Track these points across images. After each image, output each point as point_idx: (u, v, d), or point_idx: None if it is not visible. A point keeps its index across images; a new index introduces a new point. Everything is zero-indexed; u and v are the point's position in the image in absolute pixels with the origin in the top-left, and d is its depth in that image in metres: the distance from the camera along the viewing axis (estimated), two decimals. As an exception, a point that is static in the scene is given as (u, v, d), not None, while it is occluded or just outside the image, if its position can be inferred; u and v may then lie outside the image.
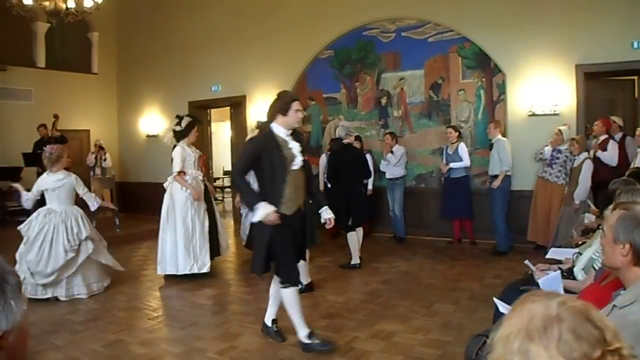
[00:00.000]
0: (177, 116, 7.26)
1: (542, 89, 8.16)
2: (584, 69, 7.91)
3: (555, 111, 8.09)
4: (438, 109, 9.18)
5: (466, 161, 8.43)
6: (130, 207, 12.31)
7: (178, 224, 6.82)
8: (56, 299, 6.04)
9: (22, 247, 6.04)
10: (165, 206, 6.93)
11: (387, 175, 9.20)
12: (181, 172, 6.82)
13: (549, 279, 3.23)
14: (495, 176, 7.97)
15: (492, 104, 8.70)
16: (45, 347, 4.64)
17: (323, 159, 8.86)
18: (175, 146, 6.99)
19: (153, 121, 13.15)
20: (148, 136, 13.19)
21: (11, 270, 1.26)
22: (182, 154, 6.88)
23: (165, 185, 7.06)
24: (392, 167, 9.10)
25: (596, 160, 7.31)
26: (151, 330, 5.09)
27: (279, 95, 4.49)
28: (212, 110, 12.94)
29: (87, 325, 5.20)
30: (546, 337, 1.03)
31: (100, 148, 12.13)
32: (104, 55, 13.84)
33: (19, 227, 6.14)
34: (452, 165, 8.46)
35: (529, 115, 8.30)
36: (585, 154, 7.30)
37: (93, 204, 6.43)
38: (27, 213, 10.10)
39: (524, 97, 8.35)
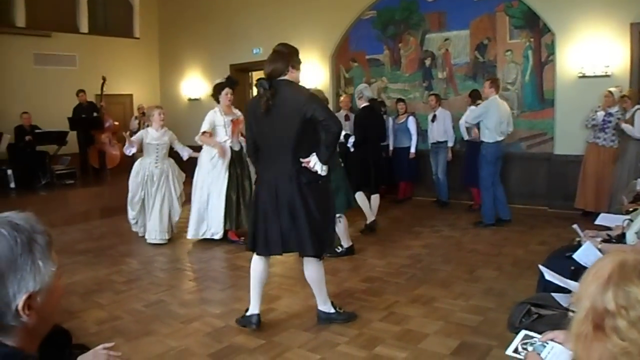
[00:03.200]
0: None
1: (594, 49, 7.82)
2: (639, 28, 7.54)
3: (606, 72, 7.76)
4: (484, 71, 8.92)
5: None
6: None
7: (197, 186, 6.95)
8: None
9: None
10: (196, 170, 7.07)
11: (430, 139, 9.05)
12: (205, 133, 6.78)
13: (584, 251, 3.10)
14: (487, 143, 7.38)
15: (541, 65, 8.41)
16: (90, 306, 4.75)
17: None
18: None
19: (195, 85, 13.18)
20: (190, 100, 13.25)
21: (41, 230, 1.24)
22: (211, 117, 6.84)
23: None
24: (436, 130, 8.94)
25: None
26: (191, 291, 5.14)
27: (288, 48, 4.15)
28: (254, 74, 12.87)
29: (129, 286, 5.29)
30: None
31: (143, 114, 12.22)
32: (146, 19, 13.88)
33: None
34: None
35: (579, 77, 7.98)
36: (637, 107, 7.09)
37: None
38: (73, 177, 10.38)
39: (574, 58, 8.02)
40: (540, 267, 3.03)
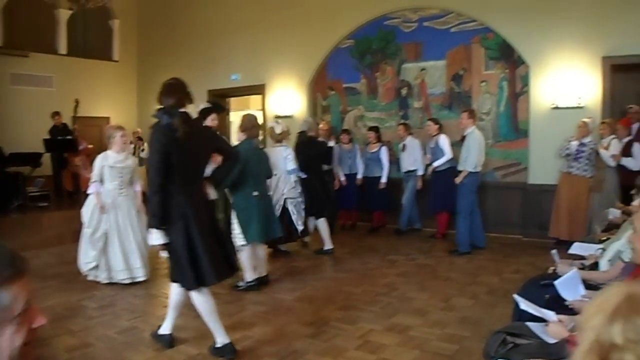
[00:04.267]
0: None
1: (567, 82, 7.99)
2: (611, 61, 7.73)
3: (579, 104, 7.93)
4: (459, 101, 9.04)
5: (448, 154, 8.28)
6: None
7: None
8: None
9: None
10: None
11: (402, 168, 9.10)
12: None
13: (566, 280, 3.13)
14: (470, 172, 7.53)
15: (515, 96, 8.56)
16: (60, 332, 4.65)
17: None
18: None
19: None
20: (167, 124, 13.18)
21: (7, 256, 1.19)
22: None
23: None
24: (406, 159, 8.99)
25: (621, 167, 7.31)
26: (165, 317, 5.05)
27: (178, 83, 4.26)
28: (232, 99, 12.92)
29: (102, 312, 5.21)
30: None
31: (139, 138, 12.11)
32: (125, 43, 13.88)
33: None
34: (435, 163, 8.36)
35: (552, 108, 8.14)
36: (613, 136, 7.36)
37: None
38: (47, 199, 10.21)
39: (548, 90, 8.19)
40: (515, 296, 3.05)
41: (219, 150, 4.25)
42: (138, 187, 6.52)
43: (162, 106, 4.02)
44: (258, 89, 11.55)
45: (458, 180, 7.57)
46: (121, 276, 6.19)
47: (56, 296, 5.70)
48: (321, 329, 4.68)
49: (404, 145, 8.97)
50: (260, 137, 7.56)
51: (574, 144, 7.58)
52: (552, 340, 2.49)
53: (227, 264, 4.12)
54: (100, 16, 13.09)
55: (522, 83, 8.48)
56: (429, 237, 8.64)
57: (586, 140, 7.51)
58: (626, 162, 7.24)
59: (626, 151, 7.30)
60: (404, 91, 9.65)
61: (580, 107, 7.91)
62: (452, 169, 8.16)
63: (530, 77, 8.36)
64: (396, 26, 9.62)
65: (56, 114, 11.07)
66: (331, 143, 8.99)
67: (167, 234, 3.84)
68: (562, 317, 2.63)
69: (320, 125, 9.31)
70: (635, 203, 3.70)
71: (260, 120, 11.30)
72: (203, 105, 6.75)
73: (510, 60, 8.57)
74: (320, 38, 10.41)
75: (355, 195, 9.26)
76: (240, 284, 5.94)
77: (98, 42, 13.53)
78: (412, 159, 8.91)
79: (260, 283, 5.97)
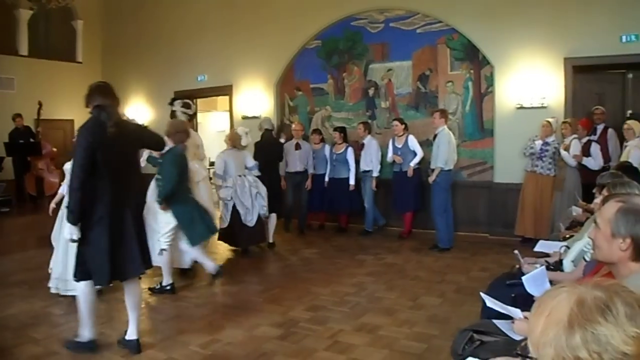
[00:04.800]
0: (178, 100, 7.28)
1: (531, 82, 8.12)
2: (572, 62, 7.87)
3: (543, 104, 8.05)
4: (426, 101, 9.11)
5: (420, 153, 8.40)
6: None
7: None
8: None
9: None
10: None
11: (361, 167, 9.00)
12: None
13: (533, 276, 3.17)
14: (442, 171, 7.73)
15: (480, 96, 8.66)
16: (24, 341, 4.54)
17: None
18: None
19: (138, 111, 12.98)
20: (133, 126, 13.02)
21: None
22: None
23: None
24: (363, 159, 8.94)
25: (582, 166, 7.45)
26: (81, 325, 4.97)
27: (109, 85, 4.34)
28: (198, 100, 12.81)
29: (67, 318, 5.09)
30: (612, 315, 1.01)
31: None
32: (89, 44, 13.65)
33: None
34: (412, 163, 8.38)
35: (517, 108, 8.25)
36: (574, 135, 7.48)
37: None
38: (9, 204, 9.99)
39: (512, 90, 8.30)
40: (482, 294, 3.08)
41: (147, 144, 4.63)
42: None
43: (97, 104, 4.06)
44: (225, 90, 11.47)
45: (431, 179, 7.71)
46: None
47: (19, 304, 5.55)
48: (290, 330, 4.67)
49: (362, 145, 8.94)
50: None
51: (538, 143, 7.71)
52: (518, 337, 2.51)
53: (142, 262, 4.21)
54: (63, 16, 12.85)
55: (487, 83, 8.58)
56: (397, 237, 8.68)
57: (550, 139, 7.65)
58: (587, 162, 7.38)
59: (586, 151, 7.45)
60: (371, 91, 9.68)
61: (544, 107, 8.04)
62: (418, 169, 8.37)
63: (495, 78, 8.46)
64: (363, 27, 9.65)
65: (17, 116, 10.82)
66: (282, 140, 9.09)
67: (87, 231, 3.93)
68: (527, 314, 2.66)
69: (293, 126, 9.30)
70: (596, 201, 3.76)
71: (226, 122, 11.32)
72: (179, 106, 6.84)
73: (475, 60, 8.66)
74: (287, 39, 10.38)
75: (323, 196, 9.25)
76: (157, 286, 5.97)
77: (61, 43, 13.29)
78: (369, 159, 8.87)
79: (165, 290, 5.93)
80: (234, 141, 7.39)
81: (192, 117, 7.54)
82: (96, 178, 3.88)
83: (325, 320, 4.91)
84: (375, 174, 8.79)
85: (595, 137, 7.67)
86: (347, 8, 9.70)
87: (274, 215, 8.10)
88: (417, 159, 8.36)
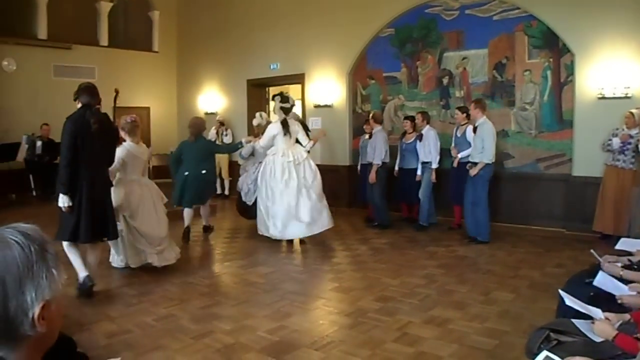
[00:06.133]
0: (281, 94, 7.84)
1: (614, 71, 7.72)
2: (661, 49, 7.47)
3: (627, 94, 7.65)
4: (502, 90, 8.86)
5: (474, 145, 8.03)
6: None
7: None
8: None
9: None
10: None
11: (420, 158, 8.70)
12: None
13: (601, 278, 3.01)
14: (476, 163, 7.53)
15: (560, 86, 8.34)
16: (100, 318, 4.72)
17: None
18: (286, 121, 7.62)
19: (212, 99, 13.24)
20: (207, 113, 13.29)
21: (49, 239, 1.24)
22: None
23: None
24: (422, 150, 8.64)
25: None
26: (203, 306, 5.09)
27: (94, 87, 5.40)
28: (271, 89, 12.94)
29: (140, 299, 5.26)
30: None
31: (221, 124, 12.24)
32: (165, 34, 14.05)
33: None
34: (460, 154, 8.14)
35: (599, 98, 7.89)
36: None
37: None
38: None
39: (594, 79, 7.93)
40: (561, 292, 2.96)
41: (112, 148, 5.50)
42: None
43: (84, 102, 5.18)
44: (297, 79, 11.53)
45: (474, 172, 7.51)
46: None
47: (97, 283, 5.77)
48: (358, 319, 4.64)
49: (421, 135, 8.66)
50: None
51: (616, 140, 7.33)
52: (598, 339, 2.40)
53: (103, 231, 5.28)
54: (141, 8, 13.25)
55: (567, 72, 8.25)
56: (447, 229, 8.52)
57: (633, 132, 7.27)
58: None
59: None
60: (445, 80, 9.49)
61: (628, 97, 7.64)
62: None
63: (576, 66, 8.11)
64: (437, 14, 9.46)
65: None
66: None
67: (70, 199, 5.02)
68: (608, 314, 2.54)
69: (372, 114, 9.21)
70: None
71: (299, 111, 11.41)
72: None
73: (554, 48, 8.34)
74: (360, 27, 10.31)
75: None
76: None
77: (138, 34, 13.73)
78: (427, 150, 8.57)
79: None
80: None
81: (290, 110, 7.80)
82: (78, 159, 4.99)
83: (394, 311, 4.86)
84: (435, 165, 8.48)
85: None
86: (421, -5, 9.53)
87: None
88: (468, 151, 7.98)
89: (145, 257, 6.06)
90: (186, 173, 7.85)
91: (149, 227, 6.02)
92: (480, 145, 7.50)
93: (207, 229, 8.52)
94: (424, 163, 8.64)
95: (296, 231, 7.36)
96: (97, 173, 5.20)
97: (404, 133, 9.09)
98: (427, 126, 8.69)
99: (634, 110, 7.30)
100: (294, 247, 7.61)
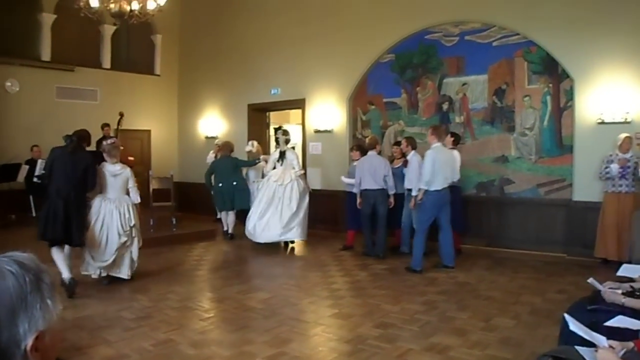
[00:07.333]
0: (285, 131, 9.41)
1: (613, 96, 7.77)
2: (659, 75, 7.51)
3: (626, 119, 7.69)
4: (502, 116, 8.89)
5: (457, 171, 8.08)
6: (188, 207, 12.45)
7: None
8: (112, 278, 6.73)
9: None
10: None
11: (405, 185, 8.38)
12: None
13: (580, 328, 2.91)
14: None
15: (559, 111, 8.37)
16: (97, 342, 4.68)
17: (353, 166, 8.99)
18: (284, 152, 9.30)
19: (212, 123, 13.28)
20: (207, 137, 13.33)
21: (45, 269, 1.23)
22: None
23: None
24: (407, 176, 8.32)
25: None
26: (202, 331, 5.05)
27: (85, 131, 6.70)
28: (271, 114, 13.01)
29: (139, 323, 5.22)
30: None
31: (220, 148, 12.19)
32: (167, 57, 14.16)
33: None
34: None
35: (598, 123, 7.92)
36: None
37: (136, 197, 6.90)
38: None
39: (593, 104, 7.97)
40: (566, 315, 2.92)
41: (86, 172, 6.38)
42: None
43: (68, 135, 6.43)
44: (298, 104, 11.59)
45: (418, 198, 7.50)
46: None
47: (95, 306, 5.75)
48: (358, 346, 4.60)
49: (406, 161, 8.45)
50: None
51: (614, 166, 7.34)
52: (601, 368, 2.36)
53: (66, 238, 6.19)
54: (143, 31, 13.33)
55: (567, 97, 8.28)
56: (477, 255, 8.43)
57: (628, 155, 7.31)
58: None
59: None
60: (445, 106, 9.53)
61: (628, 122, 7.67)
62: (456, 188, 8.08)
63: (575, 92, 8.15)
64: (437, 40, 9.53)
65: (106, 125, 11.18)
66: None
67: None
68: (613, 342, 2.50)
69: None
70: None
71: (299, 134, 11.45)
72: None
73: (554, 74, 8.39)
74: (360, 52, 10.39)
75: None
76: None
77: (141, 57, 13.83)
78: (410, 176, 8.16)
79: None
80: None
81: (289, 141, 9.49)
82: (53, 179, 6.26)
83: (394, 338, 4.81)
84: (415, 193, 7.72)
85: None
86: (421, 21, 9.62)
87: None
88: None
89: (86, 267, 6.66)
90: (220, 184, 10.07)
91: (95, 244, 6.52)
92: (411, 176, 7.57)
93: (229, 235, 10.17)
94: (408, 190, 8.19)
95: (265, 236, 8.98)
96: (69, 190, 6.19)
97: (393, 159, 9.02)
98: (413, 152, 8.35)
99: (628, 134, 7.34)
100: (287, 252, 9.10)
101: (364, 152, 8.75)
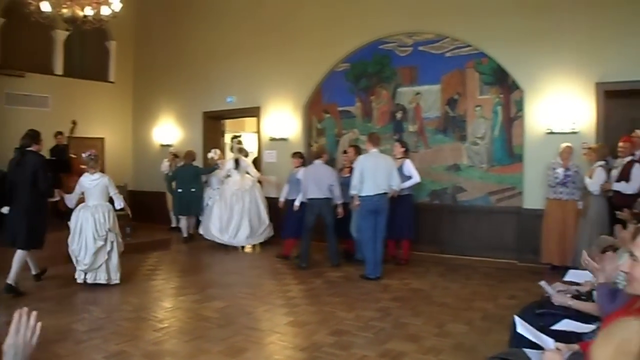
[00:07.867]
0: (239, 141, 10.47)
1: (561, 107, 8.02)
2: (604, 87, 7.77)
3: (574, 129, 7.94)
4: (454, 125, 9.06)
5: (416, 177, 8.26)
6: (142, 216, 12.23)
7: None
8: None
9: (69, 238, 7.04)
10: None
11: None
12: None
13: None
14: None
15: (509, 121, 8.57)
16: (48, 356, 4.55)
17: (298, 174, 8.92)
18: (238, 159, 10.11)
19: (167, 131, 13.13)
20: (162, 145, 13.16)
21: None
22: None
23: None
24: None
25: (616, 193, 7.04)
26: (156, 342, 4.98)
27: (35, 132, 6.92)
28: (227, 121, 12.97)
29: (90, 335, 5.12)
30: None
31: (175, 156, 12.02)
32: (121, 64, 13.89)
33: (69, 222, 7.14)
34: (404, 185, 8.03)
35: (547, 133, 8.15)
36: (600, 163, 7.22)
37: (119, 203, 7.28)
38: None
39: (542, 115, 8.21)
40: (515, 317, 2.99)
41: (35, 175, 6.63)
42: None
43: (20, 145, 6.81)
44: (253, 112, 11.55)
45: (354, 204, 7.68)
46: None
47: (46, 319, 5.56)
48: (313, 354, 4.62)
49: (352, 169, 8.24)
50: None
51: (561, 170, 7.59)
52: (547, 369, 2.43)
53: (16, 240, 6.58)
54: (97, 37, 13.09)
55: (517, 108, 8.50)
56: (394, 264, 8.36)
57: (570, 164, 7.58)
58: (618, 186, 6.96)
59: (626, 173, 6.95)
60: (399, 115, 9.65)
61: (575, 132, 7.92)
62: (410, 196, 8.26)
63: (525, 102, 8.38)
64: (391, 50, 9.66)
65: (59, 133, 10.92)
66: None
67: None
68: (559, 345, 2.58)
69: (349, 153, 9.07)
70: (630, 230, 3.65)
71: (254, 143, 11.45)
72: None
73: (504, 85, 8.60)
74: (315, 61, 10.44)
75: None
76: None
77: (94, 63, 13.54)
78: (353, 183, 7.88)
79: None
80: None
81: (243, 150, 10.43)
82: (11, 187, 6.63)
83: (349, 345, 4.85)
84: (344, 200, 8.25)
85: (637, 157, 7.12)
86: (376, 32, 9.73)
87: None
88: (406, 183, 8.11)
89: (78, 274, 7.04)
90: (179, 190, 10.78)
91: (76, 249, 6.95)
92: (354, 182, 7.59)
93: (186, 240, 10.85)
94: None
95: (236, 241, 9.75)
96: (24, 196, 6.57)
97: (343, 168, 9.06)
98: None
99: (569, 144, 7.67)
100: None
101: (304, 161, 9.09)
